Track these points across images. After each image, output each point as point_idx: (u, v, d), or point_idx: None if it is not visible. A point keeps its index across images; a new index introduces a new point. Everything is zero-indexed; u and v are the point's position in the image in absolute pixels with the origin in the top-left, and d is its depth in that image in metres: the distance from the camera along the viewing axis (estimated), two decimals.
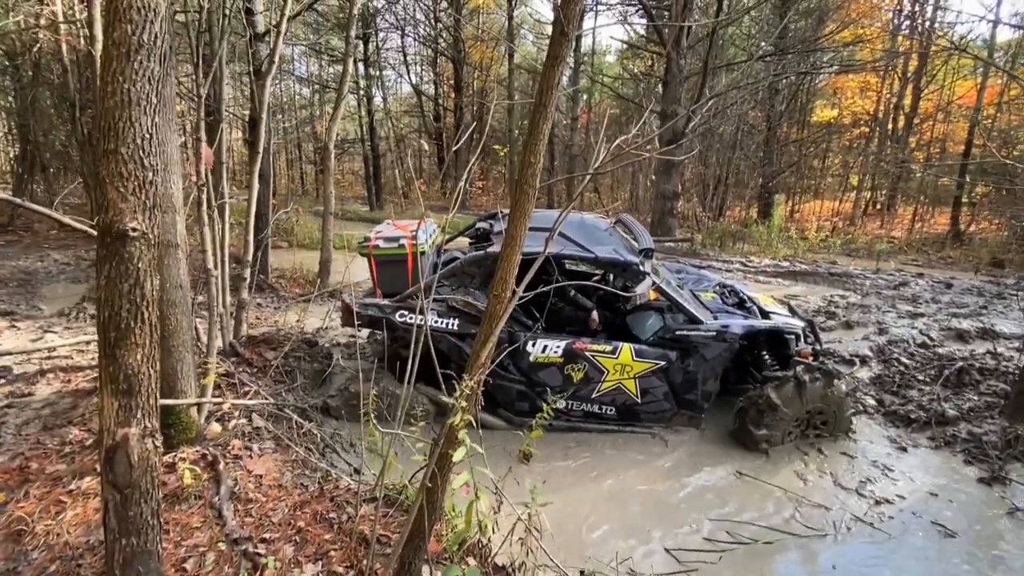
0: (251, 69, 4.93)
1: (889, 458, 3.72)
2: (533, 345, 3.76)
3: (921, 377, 4.72)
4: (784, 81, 14.67)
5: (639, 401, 3.88)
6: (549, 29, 19.38)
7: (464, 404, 1.67)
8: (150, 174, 1.37)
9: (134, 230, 1.35)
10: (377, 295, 3.89)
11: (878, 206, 18.20)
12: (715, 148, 15.52)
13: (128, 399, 1.43)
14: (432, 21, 18.87)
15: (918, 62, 16.00)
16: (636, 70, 17.18)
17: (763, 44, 13.79)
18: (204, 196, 2.93)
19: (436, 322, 3.75)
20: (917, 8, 15.60)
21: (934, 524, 3.05)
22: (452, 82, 20.01)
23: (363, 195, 19.16)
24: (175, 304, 2.77)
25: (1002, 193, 13.32)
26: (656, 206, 11.91)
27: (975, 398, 4.33)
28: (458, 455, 1.68)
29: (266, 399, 3.50)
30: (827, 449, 3.77)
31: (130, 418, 1.45)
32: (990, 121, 15.76)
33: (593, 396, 3.87)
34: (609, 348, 3.76)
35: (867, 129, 17.91)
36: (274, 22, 5.40)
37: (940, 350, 5.34)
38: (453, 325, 3.75)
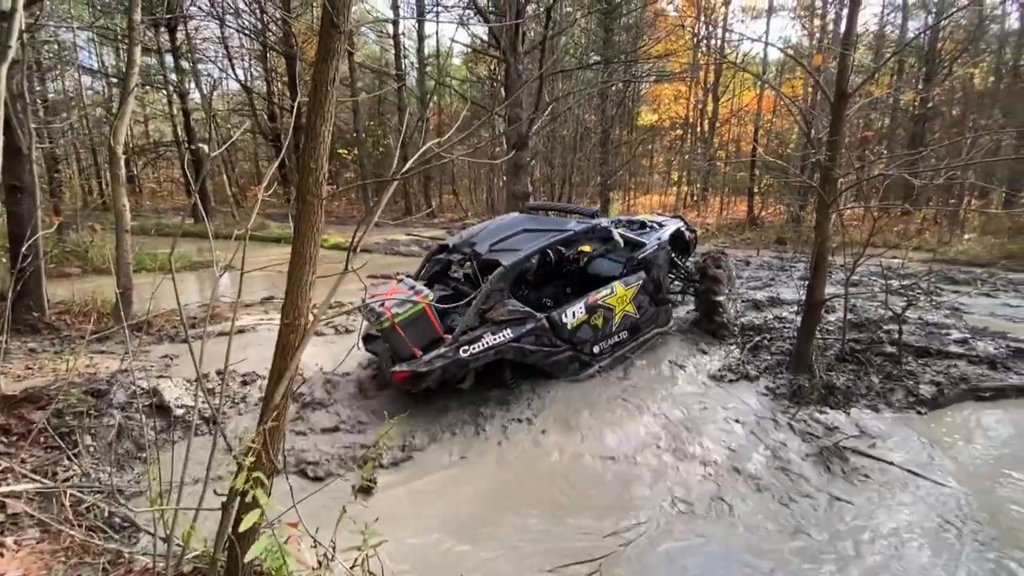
0: None
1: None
2: (564, 317, 4.40)
3: (732, 344, 5.47)
4: (613, 88, 16.16)
5: (638, 316, 4.97)
6: (390, 28, 18.85)
7: (251, 460, 1.39)
8: None
9: None
10: (416, 355, 3.89)
11: (695, 198, 21.10)
12: (558, 151, 16.53)
13: None
14: (257, 12, 17.06)
15: (714, 75, 18.86)
16: (481, 73, 17.53)
17: (591, 54, 15.01)
18: None
19: (494, 339, 4.00)
20: (709, 29, 18.35)
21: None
22: (287, 79, 18.36)
23: (185, 206, 16.67)
24: None
25: (781, 184, 16.32)
26: (508, 206, 12.26)
27: (768, 358, 5.14)
28: (247, 522, 1.38)
29: (24, 475, 2.73)
30: (668, 414, 4.14)
31: None
32: (770, 124, 19.21)
33: (613, 330, 4.76)
34: (608, 291, 4.69)
35: (681, 132, 20.63)
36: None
37: (743, 320, 6.26)
38: (507, 334, 4.10)
